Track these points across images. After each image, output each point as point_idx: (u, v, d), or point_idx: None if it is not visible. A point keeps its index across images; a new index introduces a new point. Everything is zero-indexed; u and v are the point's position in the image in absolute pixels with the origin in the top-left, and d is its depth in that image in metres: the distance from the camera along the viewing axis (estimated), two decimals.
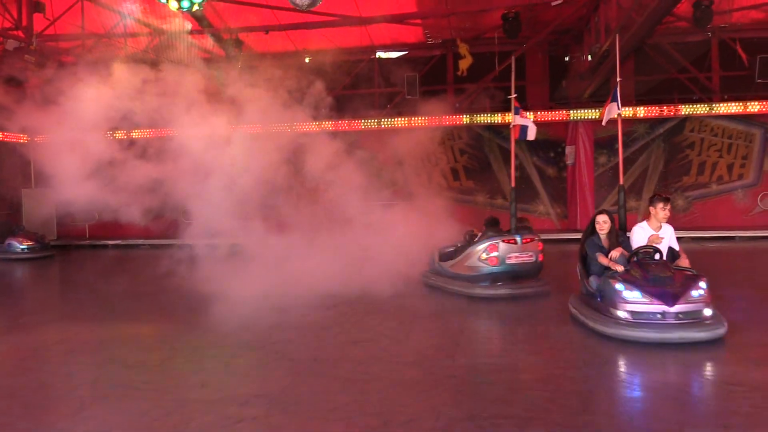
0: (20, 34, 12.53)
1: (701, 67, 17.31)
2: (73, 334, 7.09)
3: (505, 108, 17.41)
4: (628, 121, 17.49)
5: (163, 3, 9.24)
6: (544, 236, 16.63)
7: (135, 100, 13.98)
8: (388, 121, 17.63)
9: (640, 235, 6.91)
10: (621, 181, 8.49)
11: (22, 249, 15.78)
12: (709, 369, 5.25)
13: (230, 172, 13.02)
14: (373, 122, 17.78)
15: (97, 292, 9.17)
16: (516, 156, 18.05)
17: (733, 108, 16.61)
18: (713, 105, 16.72)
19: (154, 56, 15.32)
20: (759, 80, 15.90)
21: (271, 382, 5.14)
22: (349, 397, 4.70)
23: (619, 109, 8.12)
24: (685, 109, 16.79)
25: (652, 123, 17.45)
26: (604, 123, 9.17)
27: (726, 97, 17.08)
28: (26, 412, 4.57)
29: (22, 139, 20.07)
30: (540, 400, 4.52)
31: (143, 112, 14.66)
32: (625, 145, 17.71)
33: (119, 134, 19.36)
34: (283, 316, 7.86)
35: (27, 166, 20.63)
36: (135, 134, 19.26)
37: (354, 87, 18.28)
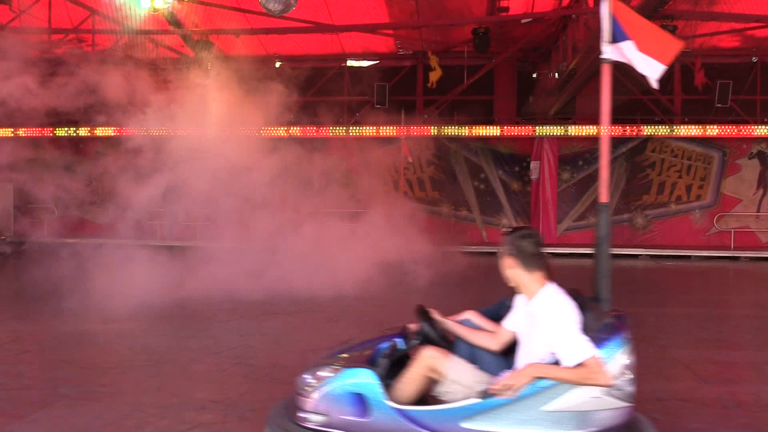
0: None
1: (664, 90, 17.74)
2: (26, 333, 6.96)
3: (473, 121, 17.62)
4: (591, 140, 17.82)
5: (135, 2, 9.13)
6: None
7: (96, 95, 13.81)
8: (355, 129, 17.66)
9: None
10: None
11: None
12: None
13: (192, 174, 12.97)
14: (341, 130, 17.79)
15: (54, 290, 8.99)
16: (481, 168, 18.47)
17: (693, 131, 17.05)
18: (674, 127, 17.15)
19: (122, 54, 15.16)
20: (718, 105, 16.36)
21: (229, 388, 5.11)
22: None
23: None
24: (647, 130, 17.19)
25: (615, 142, 17.81)
26: None
27: (686, 119, 17.54)
28: None
29: None
30: None
31: (108, 109, 14.51)
32: (589, 163, 18.05)
33: (84, 131, 19.13)
34: (243, 321, 7.84)
35: None
36: (99, 132, 19.04)
37: (323, 94, 18.29)
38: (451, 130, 17.70)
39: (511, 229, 3.51)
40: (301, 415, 3.38)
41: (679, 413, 4.63)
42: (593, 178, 18.02)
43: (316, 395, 3.36)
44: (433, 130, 17.72)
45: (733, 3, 14.27)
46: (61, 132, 19.32)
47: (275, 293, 9.63)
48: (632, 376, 3.18)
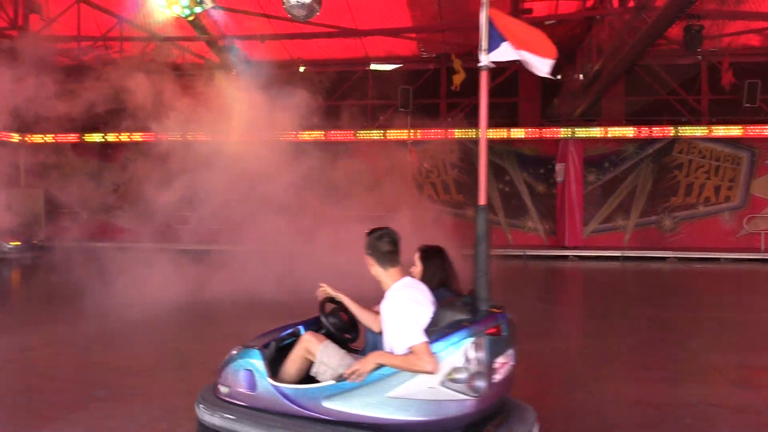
0: (15, 34, 12.52)
1: (691, 90, 17.55)
2: (59, 336, 7.08)
3: (497, 124, 17.58)
4: (617, 141, 17.69)
5: (162, 9, 9.26)
6: (532, 252, 16.86)
7: (123, 101, 14.03)
8: (380, 132, 17.70)
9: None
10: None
11: (9, 248, 15.72)
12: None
13: (217, 178, 13.12)
14: (366, 133, 17.84)
15: (84, 293, 9.14)
16: (506, 171, 18.40)
17: (721, 131, 16.83)
18: (701, 127, 16.94)
19: (148, 60, 15.37)
20: (747, 104, 16.13)
21: None
22: None
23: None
24: (674, 131, 17.01)
25: (642, 143, 17.64)
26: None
27: (714, 120, 17.32)
28: (11, 415, 4.56)
29: (13, 138, 20.01)
30: None
31: (135, 115, 14.71)
32: (615, 165, 17.90)
33: (112, 137, 19.43)
34: (272, 324, 7.88)
35: (16, 166, 20.54)
36: (125, 137, 19.31)
37: (347, 97, 18.36)
38: (475, 133, 17.66)
39: (370, 231, 3.75)
40: (218, 385, 3.93)
41: (712, 419, 4.57)
42: (620, 179, 17.89)
43: (225, 369, 3.93)
44: (457, 133, 17.70)
45: (760, 2, 14.07)
46: (90, 138, 19.63)
47: (301, 296, 9.65)
48: (480, 371, 3.28)
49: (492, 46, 4.19)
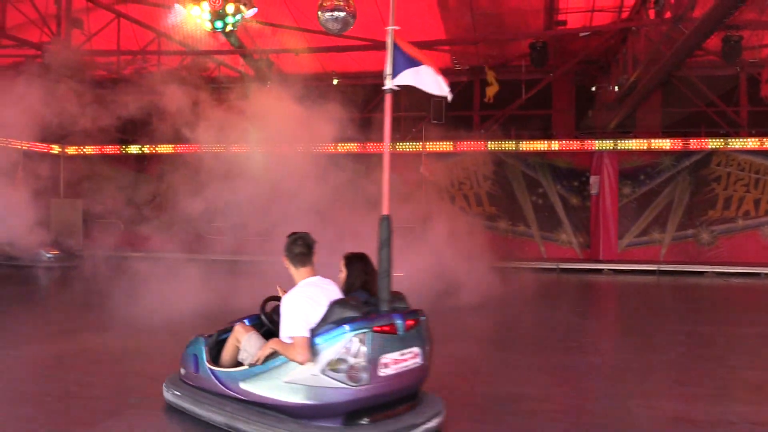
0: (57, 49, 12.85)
1: (729, 101, 17.24)
2: (97, 344, 7.20)
3: (531, 136, 17.49)
4: (653, 153, 17.44)
5: (198, 23, 9.43)
6: (565, 266, 16.68)
7: (160, 114, 14.28)
8: (413, 144, 17.72)
9: None
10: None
11: (49, 257, 16.07)
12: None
13: (254, 190, 13.25)
14: (399, 146, 17.87)
15: (120, 303, 9.29)
16: (539, 183, 18.27)
17: (762, 143, 16.49)
18: (740, 139, 16.63)
19: (186, 74, 15.65)
20: None
21: None
22: None
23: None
24: (712, 143, 16.71)
25: (679, 156, 17.36)
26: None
27: (754, 132, 16.99)
28: (49, 420, 4.64)
29: (53, 149, 20.51)
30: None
31: (172, 128, 14.95)
32: (651, 177, 17.64)
33: (149, 148, 19.80)
34: None
35: (56, 177, 21.04)
36: (163, 149, 19.65)
37: (380, 110, 18.43)
38: (509, 145, 17.59)
39: (289, 234, 4.33)
40: (180, 368, 4.89)
41: None
42: (655, 192, 17.62)
43: (183, 354, 4.88)
44: (490, 146, 17.64)
45: None
46: (128, 150, 20.03)
47: None
48: (362, 364, 3.77)
49: (396, 71, 4.79)
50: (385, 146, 4.49)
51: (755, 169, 17.24)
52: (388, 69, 4.50)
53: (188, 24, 13.33)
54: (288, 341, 3.94)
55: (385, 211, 4.23)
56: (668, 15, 11.16)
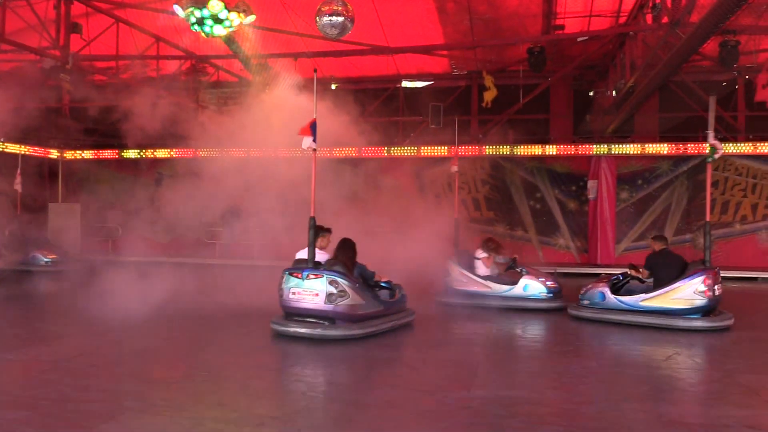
0: (57, 53, 12.87)
1: (727, 106, 17.28)
2: (93, 348, 7.20)
3: (529, 140, 17.52)
4: (651, 158, 17.47)
5: (197, 29, 9.45)
6: (563, 270, 16.68)
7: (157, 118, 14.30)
8: (411, 149, 17.75)
9: None
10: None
11: (46, 262, 16.05)
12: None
13: (247, 194, 13.27)
14: (397, 150, 17.90)
15: (117, 307, 9.30)
16: (537, 188, 18.29)
17: (759, 148, 16.52)
18: (738, 144, 16.65)
19: (186, 78, 15.68)
20: None
21: (288, 405, 5.18)
22: (364, 424, 4.72)
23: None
24: (709, 148, 16.69)
25: (676, 160, 17.38)
26: None
27: (751, 136, 17.02)
28: (45, 425, 4.64)
29: (52, 154, 20.52)
30: None
31: (171, 133, 14.96)
32: (648, 182, 17.66)
33: (148, 153, 19.81)
34: (302, 340, 7.94)
35: (55, 181, 21.06)
36: (162, 154, 19.66)
37: (378, 115, 18.44)
38: (507, 150, 17.61)
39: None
40: None
41: None
42: (653, 197, 17.64)
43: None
44: (488, 150, 17.67)
45: None
46: (127, 154, 20.04)
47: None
48: None
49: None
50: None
51: (752, 173, 17.26)
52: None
53: (187, 29, 13.39)
54: None
55: (312, 213, 7.47)
56: (665, 20, 11.19)
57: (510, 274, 10.66)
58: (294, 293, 7.64)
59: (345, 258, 7.95)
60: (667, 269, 8.96)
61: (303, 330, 7.53)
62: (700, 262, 9.00)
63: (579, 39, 14.71)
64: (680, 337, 8.19)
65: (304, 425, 4.64)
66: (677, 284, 8.67)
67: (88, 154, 20.54)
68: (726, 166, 17.31)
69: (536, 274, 10.59)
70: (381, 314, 8.14)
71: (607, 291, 9.19)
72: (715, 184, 17.39)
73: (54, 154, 20.48)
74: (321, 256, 8.03)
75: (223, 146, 14.91)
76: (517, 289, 10.30)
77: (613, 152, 17.05)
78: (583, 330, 8.84)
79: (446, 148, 17.27)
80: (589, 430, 4.63)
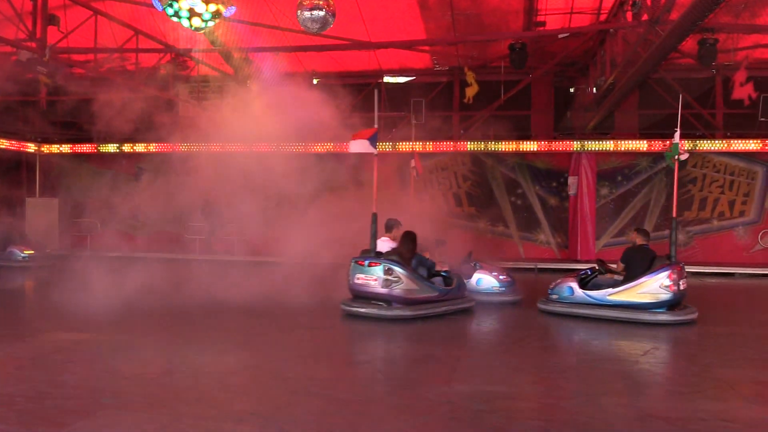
0: (33, 45, 12.66)
1: (705, 104, 17.45)
2: (70, 344, 7.12)
3: (510, 136, 17.57)
4: (630, 154, 17.62)
5: (175, 21, 9.33)
6: (544, 266, 16.78)
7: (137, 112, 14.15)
8: (392, 145, 17.73)
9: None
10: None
11: (23, 257, 15.85)
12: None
13: (227, 190, 13.21)
14: (379, 146, 17.85)
15: (94, 302, 9.21)
16: (518, 184, 18.37)
17: (736, 145, 16.73)
18: (716, 141, 16.84)
19: (164, 72, 15.52)
20: (762, 119, 16.02)
21: (267, 401, 5.16)
22: (344, 419, 4.71)
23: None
24: (688, 145, 16.90)
25: (655, 157, 17.54)
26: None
27: (729, 134, 17.22)
28: (21, 422, 4.58)
29: (29, 148, 20.24)
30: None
31: (151, 127, 14.83)
32: (628, 178, 17.82)
33: (128, 147, 19.60)
34: (281, 335, 7.92)
35: (32, 176, 20.79)
36: (141, 148, 19.47)
37: (359, 110, 18.40)
38: (488, 146, 17.65)
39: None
40: None
41: None
42: (632, 193, 17.80)
43: None
44: (469, 146, 17.70)
45: None
46: (105, 148, 19.82)
47: (309, 306, 9.73)
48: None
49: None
50: None
51: (730, 171, 17.48)
52: None
53: (167, 22, 13.25)
54: None
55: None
56: (645, 17, 11.27)
57: (465, 268, 10.86)
58: (359, 279, 8.98)
59: (404, 249, 9.09)
60: (642, 265, 9.13)
61: (364, 310, 8.85)
62: (666, 257, 9.24)
63: (560, 36, 14.75)
64: (652, 331, 8.28)
65: (285, 421, 4.63)
66: (643, 279, 8.92)
67: (65, 148, 20.30)
68: (704, 163, 17.51)
69: (489, 269, 10.97)
70: (436, 299, 9.17)
71: (576, 286, 9.44)
72: (693, 181, 17.59)
73: (31, 148, 20.21)
74: (391, 245, 9.36)
75: (202, 141, 14.81)
76: (471, 284, 10.58)
77: (592, 149, 17.15)
78: (555, 325, 8.92)
79: (430, 143, 17.30)
80: (568, 425, 4.66)
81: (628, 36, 12.96)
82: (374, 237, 9.22)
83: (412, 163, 13.50)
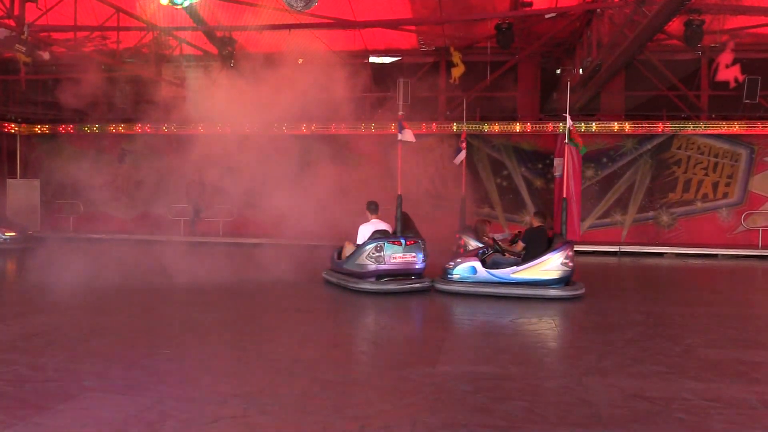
0: (11, 23, 12.41)
1: (690, 86, 17.49)
2: (51, 326, 7.04)
3: (496, 117, 17.52)
4: (616, 136, 17.64)
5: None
6: None
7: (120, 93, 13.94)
8: (378, 125, 17.64)
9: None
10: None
11: (4, 239, 15.66)
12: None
13: (212, 172, 13.09)
14: (364, 126, 17.78)
15: (76, 284, 9.12)
16: (504, 165, 18.36)
17: (720, 127, 16.80)
18: (701, 123, 16.90)
19: (146, 51, 15.29)
20: (746, 101, 16.07)
21: (250, 382, 5.12)
22: (328, 401, 4.69)
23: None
24: (673, 126, 16.96)
25: (640, 139, 17.59)
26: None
27: (714, 116, 17.27)
28: (1, 405, 4.51)
29: (12, 129, 19.94)
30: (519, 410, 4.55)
31: (133, 107, 14.63)
32: (613, 160, 17.85)
33: (109, 127, 19.35)
34: (264, 316, 7.88)
35: (13, 157, 20.50)
36: (123, 128, 19.24)
37: (345, 90, 18.24)
38: (474, 127, 17.60)
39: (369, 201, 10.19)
40: None
41: (706, 413, 4.54)
42: (618, 175, 17.84)
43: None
44: (455, 127, 17.64)
45: None
46: (86, 129, 19.56)
47: (298, 288, 9.71)
48: (380, 255, 9.38)
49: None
50: None
51: (714, 152, 17.56)
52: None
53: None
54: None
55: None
56: None
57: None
58: (395, 257, 9.46)
59: (414, 228, 10.09)
60: (542, 244, 9.61)
61: (393, 286, 9.43)
62: (559, 236, 9.93)
63: (547, 15, 14.67)
64: (566, 305, 8.32)
65: (268, 403, 4.60)
66: (547, 256, 9.35)
67: (47, 129, 20.01)
68: (689, 144, 17.57)
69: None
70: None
71: (479, 265, 9.63)
72: (677, 163, 17.67)
73: (12, 128, 19.91)
74: (383, 225, 9.96)
75: (185, 122, 14.62)
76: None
77: (578, 130, 17.11)
78: (472, 303, 8.93)
79: (416, 124, 17.19)
80: (552, 405, 4.67)
81: (615, 16, 12.92)
82: (398, 220, 9.80)
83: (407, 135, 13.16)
